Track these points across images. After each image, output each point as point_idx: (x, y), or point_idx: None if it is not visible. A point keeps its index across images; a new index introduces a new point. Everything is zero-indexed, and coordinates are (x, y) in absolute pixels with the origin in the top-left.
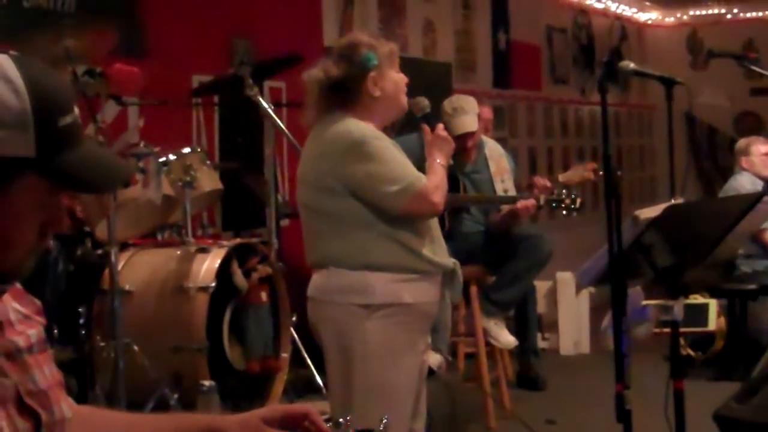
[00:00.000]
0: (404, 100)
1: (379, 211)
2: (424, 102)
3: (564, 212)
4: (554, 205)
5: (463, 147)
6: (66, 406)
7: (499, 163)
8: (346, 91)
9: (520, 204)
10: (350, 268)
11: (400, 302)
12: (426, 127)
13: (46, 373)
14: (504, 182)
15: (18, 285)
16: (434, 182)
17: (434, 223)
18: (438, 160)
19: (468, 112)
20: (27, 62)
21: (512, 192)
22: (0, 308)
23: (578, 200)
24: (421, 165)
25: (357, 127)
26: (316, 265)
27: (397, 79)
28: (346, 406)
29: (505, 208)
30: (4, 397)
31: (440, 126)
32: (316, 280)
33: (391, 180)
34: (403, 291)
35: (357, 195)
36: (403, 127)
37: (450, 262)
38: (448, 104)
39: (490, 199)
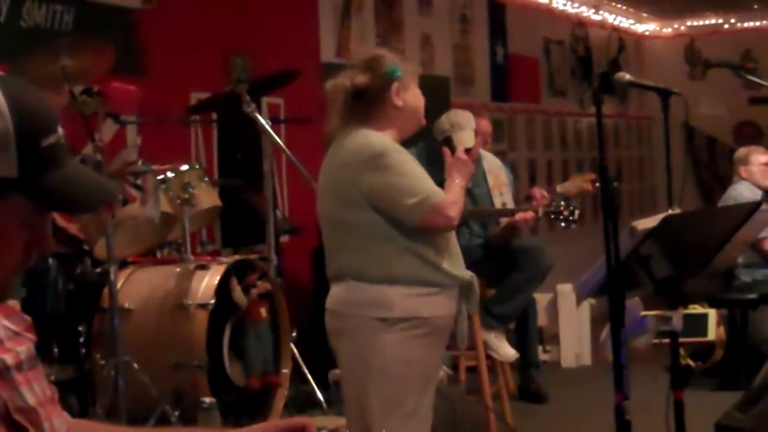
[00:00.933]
0: (422, 117)
1: (398, 224)
2: (446, 125)
3: (563, 224)
4: (552, 216)
5: None
6: (59, 421)
7: (497, 177)
8: (370, 101)
9: (519, 216)
10: (370, 282)
11: (419, 316)
12: (446, 150)
13: (35, 389)
14: (502, 195)
15: (11, 303)
16: (451, 197)
17: (453, 236)
18: (457, 181)
19: (465, 128)
20: (10, 82)
21: (511, 205)
22: None
23: (576, 212)
24: None
25: (378, 138)
26: (335, 277)
27: (417, 93)
28: (362, 420)
29: (504, 220)
30: None
31: (460, 149)
32: (335, 292)
33: (409, 192)
34: (422, 305)
35: (376, 206)
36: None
37: (468, 274)
38: (445, 120)
39: (488, 212)
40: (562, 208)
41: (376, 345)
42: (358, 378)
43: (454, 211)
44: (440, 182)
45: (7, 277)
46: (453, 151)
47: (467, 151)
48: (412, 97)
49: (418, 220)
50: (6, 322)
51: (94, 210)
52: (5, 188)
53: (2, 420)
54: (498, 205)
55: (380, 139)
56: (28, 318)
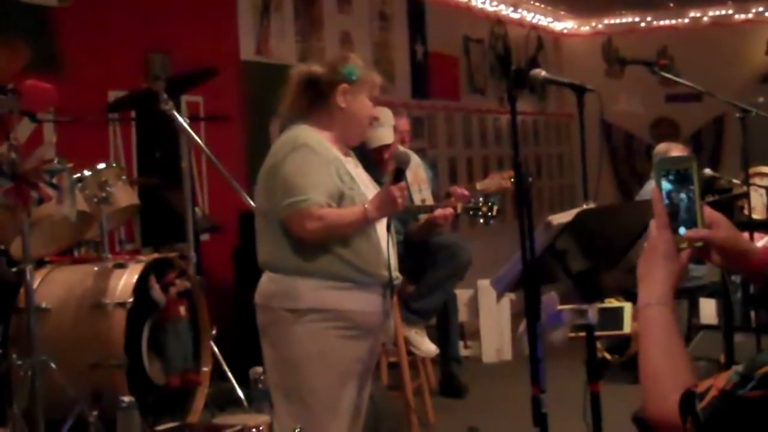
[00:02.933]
0: (364, 128)
1: None
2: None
3: (481, 220)
4: (471, 212)
5: (379, 159)
6: None
7: (416, 174)
8: (318, 93)
9: (438, 212)
10: (282, 273)
11: (329, 308)
12: (390, 179)
13: None
14: (421, 191)
15: None
16: (323, 213)
17: (377, 233)
18: (369, 211)
19: (384, 125)
20: None
21: (430, 201)
22: None
23: (495, 207)
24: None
25: (307, 134)
26: (261, 266)
27: (366, 104)
28: (286, 412)
29: (424, 217)
30: None
31: (401, 185)
32: (260, 284)
33: (290, 192)
34: (332, 298)
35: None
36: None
37: (386, 273)
38: None
39: (408, 208)
40: (480, 204)
41: (287, 336)
42: (277, 370)
43: (315, 226)
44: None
45: None
46: (397, 182)
47: (385, 147)
48: (357, 104)
49: (281, 219)
50: None
51: None
52: None
53: None
54: (417, 201)
55: (309, 135)
56: None
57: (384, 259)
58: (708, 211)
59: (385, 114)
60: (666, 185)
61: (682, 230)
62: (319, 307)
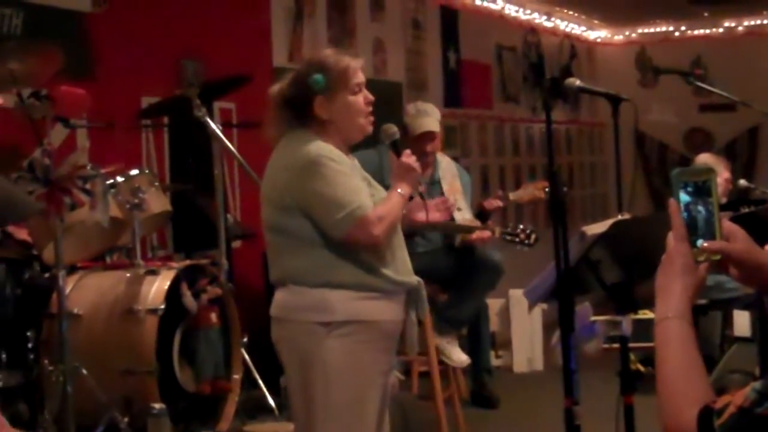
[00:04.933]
0: (362, 122)
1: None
2: (392, 129)
3: (518, 246)
4: (509, 238)
5: (422, 150)
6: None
7: (451, 184)
8: (298, 111)
9: (476, 236)
10: (309, 286)
11: (361, 320)
12: (392, 155)
13: None
14: (456, 201)
15: None
16: (379, 213)
17: (398, 240)
18: (399, 190)
19: (431, 115)
20: None
21: (467, 213)
22: None
23: (533, 236)
24: (382, 178)
25: (316, 146)
26: (277, 282)
27: (350, 102)
28: (308, 427)
29: (460, 237)
30: None
31: (407, 152)
32: (277, 298)
33: (337, 205)
34: (364, 308)
35: (308, 215)
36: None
37: (414, 280)
38: (411, 107)
39: (447, 226)
40: (519, 231)
41: (318, 351)
42: (303, 384)
43: (379, 229)
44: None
45: None
46: (399, 155)
47: (429, 135)
48: (341, 108)
49: (342, 235)
50: None
51: (6, 224)
52: None
53: None
54: (453, 210)
55: (318, 146)
56: None
57: (407, 265)
58: (725, 223)
59: (433, 107)
60: (684, 197)
61: (700, 242)
62: (352, 319)
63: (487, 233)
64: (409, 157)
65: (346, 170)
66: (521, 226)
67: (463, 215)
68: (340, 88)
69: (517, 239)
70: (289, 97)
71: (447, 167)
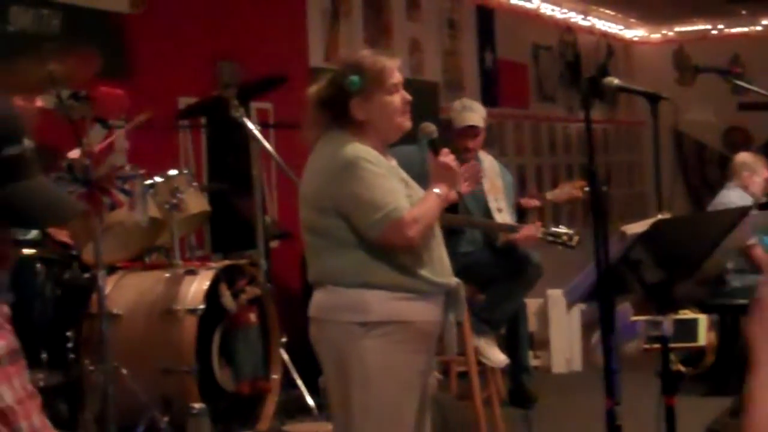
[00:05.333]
0: (399, 122)
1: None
2: (431, 128)
3: (560, 247)
4: (550, 239)
5: (464, 145)
6: (39, 419)
7: (493, 182)
8: (335, 112)
9: (521, 236)
10: (347, 286)
11: (398, 320)
12: (431, 154)
13: (15, 385)
14: (497, 201)
15: None
16: (414, 214)
17: (436, 241)
18: (436, 190)
19: (476, 111)
20: None
21: (506, 211)
22: None
23: (575, 238)
24: (422, 176)
25: (352, 148)
26: (315, 283)
27: (386, 102)
28: (346, 427)
29: (504, 236)
30: None
31: (445, 151)
32: (315, 298)
33: (372, 207)
34: (401, 309)
35: (345, 216)
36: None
37: (452, 281)
38: (458, 102)
39: (491, 225)
40: (561, 233)
41: (356, 351)
42: (341, 384)
43: (414, 231)
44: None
45: None
46: (437, 154)
47: (472, 130)
48: (378, 108)
49: (376, 236)
50: None
51: (48, 226)
52: None
53: None
54: (493, 210)
55: (355, 148)
56: (5, 309)
57: (446, 267)
58: None
59: (478, 104)
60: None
61: None
62: (390, 320)
63: (532, 232)
64: (447, 156)
65: (383, 172)
66: (563, 228)
67: (504, 217)
68: (376, 89)
69: (559, 240)
70: (326, 98)
71: (489, 166)
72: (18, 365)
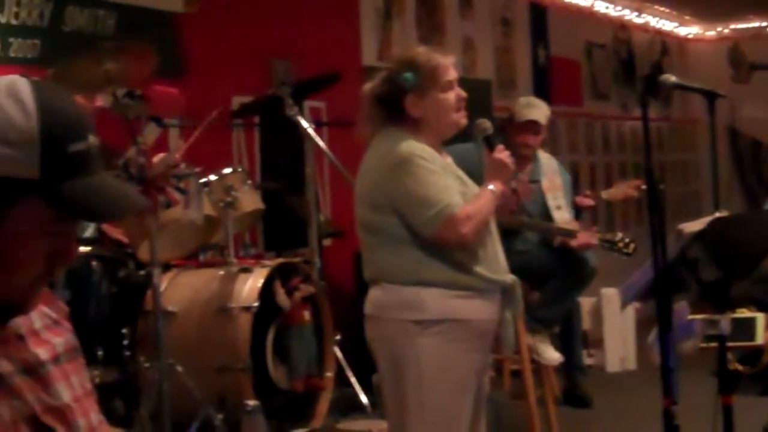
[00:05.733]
0: (455, 118)
1: None
2: (486, 124)
3: (616, 254)
4: (606, 245)
5: (524, 141)
6: (96, 417)
7: (552, 180)
8: (389, 108)
9: (578, 243)
10: (402, 284)
11: (454, 318)
12: (486, 150)
13: (73, 383)
14: (556, 199)
15: (46, 288)
16: (467, 211)
17: (492, 238)
18: (491, 186)
19: (540, 108)
20: (44, 86)
21: (565, 208)
22: (22, 318)
23: (632, 245)
24: (479, 173)
25: (407, 144)
26: (371, 280)
27: (440, 99)
28: (401, 425)
29: (559, 239)
30: (15, 419)
31: (500, 147)
32: (371, 296)
33: (426, 204)
34: (456, 307)
35: (399, 213)
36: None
37: (508, 278)
38: (523, 99)
39: (548, 229)
40: (617, 239)
41: (411, 349)
42: (396, 383)
43: (467, 228)
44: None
45: (27, 286)
46: (492, 150)
47: (533, 125)
48: (432, 105)
49: (431, 234)
50: (46, 309)
51: (116, 221)
52: (27, 191)
53: (28, 422)
54: (552, 208)
55: (410, 145)
56: (65, 306)
57: (502, 264)
58: None
59: (543, 103)
60: None
61: None
62: (445, 318)
63: (589, 239)
64: (501, 153)
65: (438, 169)
66: (620, 234)
67: (563, 214)
68: (430, 86)
69: (615, 247)
70: (381, 95)
71: (547, 163)
72: (76, 363)
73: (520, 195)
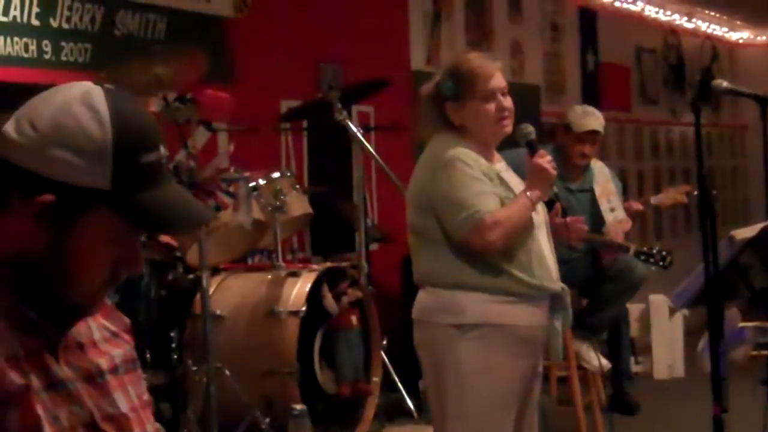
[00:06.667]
0: (495, 128)
1: None
2: (528, 129)
3: (653, 267)
4: (643, 257)
5: (581, 151)
6: (152, 427)
7: (604, 187)
8: (438, 115)
9: (606, 256)
10: (444, 287)
11: (496, 323)
12: (527, 156)
13: (131, 394)
14: (610, 202)
15: (108, 302)
16: (496, 217)
17: (536, 243)
18: (528, 193)
19: (598, 117)
20: (118, 95)
21: (619, 209)
22: (82, 328)
23: (668, 258)
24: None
25: (453, 149)
26: (418, 283)
27: (479, 110)
28: (443, 429)
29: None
30: (74, 425)
31: (541, 152)
32: (418, 299)
33: (459, 207)
34: (496, 312)
35: (436, 215)
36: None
37: (556, 286)
38: (578, 107)
39: (602, 242)
40: (654, 252)
41: (452, 353)
42: (438, 387)
43: (494, 235)
44: None
45: (93, 292)
46: (534, 155)
47: (592, 134)
48: (470, 115)
49: (460, 238)
50: (105, 322)
51: (186, 232)
52: (97, 201)
53: (87, 429)
54: (605, 212)
55: (454, 149)
56: (127, 319)
57: (550, 271)
58: None
59: (597, 111)
60: None
61: None
62: (485, 322)
63: (619, 252)
64: (542, 158)
65: (477, 174)
66: (657, 247)
67: (617, 215)
68: (469, 96)
69: (652, 260)
70: (429, 99)
71: (600, 171)
72: (134, 374)
73: (569, 233)
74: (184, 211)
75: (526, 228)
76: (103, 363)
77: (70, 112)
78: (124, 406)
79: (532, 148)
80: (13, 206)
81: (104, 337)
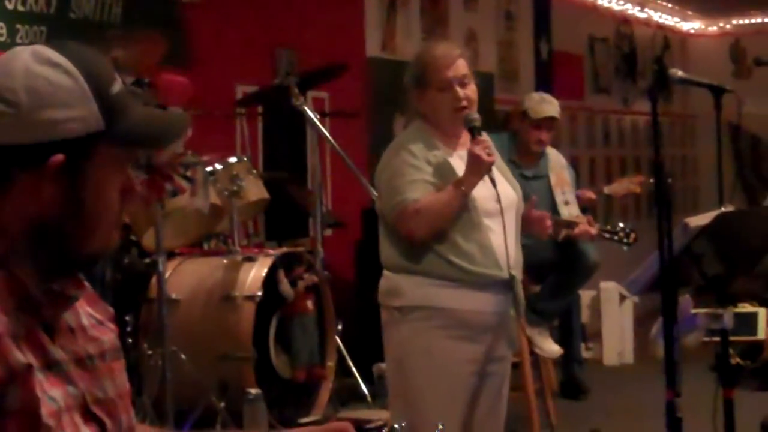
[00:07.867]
0: (452, 117)
1: None
2: (474, 116)
3: (616, 245)
4: (606, 236)
5: (538, 138)
6: (131, 417)
7: (559, 175)
8: (408, 102)
9: (579, 231)
10: (393, 272)
11: (434, 305)
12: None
13: (117, 381)
14: (565, 194)
15: (90, 290)
16: (418, 206)
17: (481, 230)
18: (459, 179)
19: (554, 104)
20: (65, 45)
21: (574, 205)
22: (73, 314)
23: (632, 235)
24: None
25: (407, 135)
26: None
27: (434, 98)
28: (399, 411)
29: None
30: (70, 405)
31: (479, 139)
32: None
33: (391, 193)
34: (437, 295)
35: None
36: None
37: (501, 273)
38: (535, 94)
39: (566, 223)
40: (618, 230)
41: (394, 334)
42: (389, 369)
43: (415, 223)
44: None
45: (111, 232)
46: (474, 140)
47: (550, 121)
48: (428, 104)
49: (390, 223)
50: (90, 310)
51: (174, 141)
52: (95, 142)
53: (79, 411)
54: (560, 203)
55: (409, 136)
56: (111, 309)
57: (497, 258)
58: None
59: (554, 99)
60: None
61: None
62: (425, 305)
63: (591, 229)
64: (480, 145)
65: (417, 163)
66: (621, 225)
67: (571, 210)
68: (427, 85)
69: (616, 237)
70: (406, 88)
71: (555, 159)
72: (119, 363)
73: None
74: (166, 122)
75: (452, 216)
76: (92, 348)
77: (36, 74)
78: (112, 391)
79: (473, 133)
80: (18, 182)
81: (91, 324)
